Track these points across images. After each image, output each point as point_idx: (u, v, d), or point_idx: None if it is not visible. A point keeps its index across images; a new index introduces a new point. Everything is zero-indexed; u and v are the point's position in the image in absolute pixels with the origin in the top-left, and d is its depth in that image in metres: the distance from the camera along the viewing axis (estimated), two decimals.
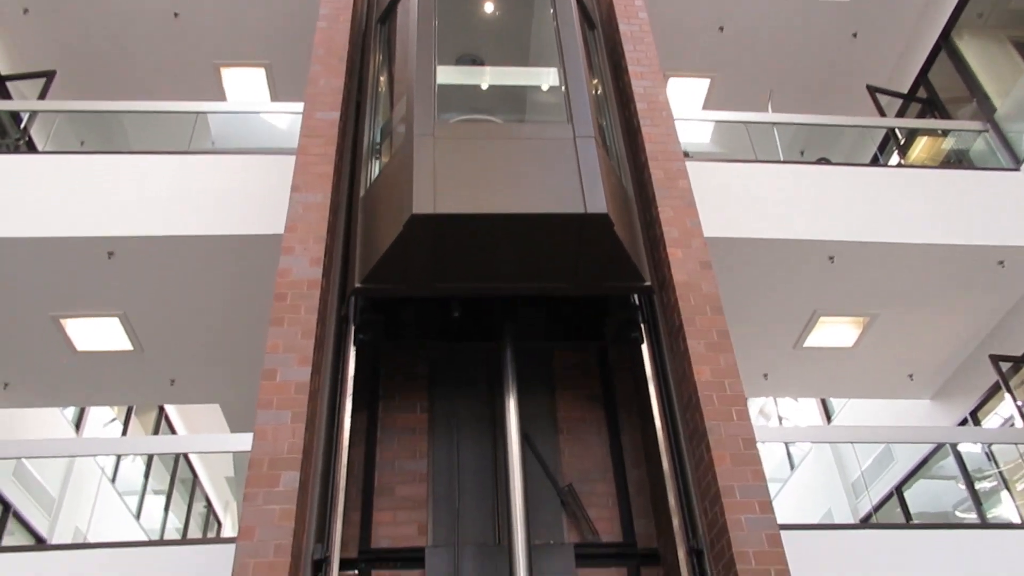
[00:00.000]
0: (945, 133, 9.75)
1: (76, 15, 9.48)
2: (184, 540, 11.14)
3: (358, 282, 4.78)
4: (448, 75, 5.68)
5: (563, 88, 5.27)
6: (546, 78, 6.03)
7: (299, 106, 7.87)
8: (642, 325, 5.15)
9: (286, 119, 9.25)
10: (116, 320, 7.11)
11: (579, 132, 4.93)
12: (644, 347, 5.05)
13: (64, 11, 9.45)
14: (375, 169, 5.47)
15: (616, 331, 5.24)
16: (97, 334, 7.29)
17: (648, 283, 4.98)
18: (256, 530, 3.78)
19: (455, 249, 4.62)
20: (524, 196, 4.59)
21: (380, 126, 5.80)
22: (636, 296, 5.21)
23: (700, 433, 4.36)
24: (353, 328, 4.95)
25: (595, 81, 5.89)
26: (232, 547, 4.58)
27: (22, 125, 8.38)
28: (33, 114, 8.39)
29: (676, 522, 4.30)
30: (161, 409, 13.01)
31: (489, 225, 4.53)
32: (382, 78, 6.10)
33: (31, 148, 8.14)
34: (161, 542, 9.38)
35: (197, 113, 7.98)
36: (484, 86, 6.09)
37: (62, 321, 7.16)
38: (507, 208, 4.51)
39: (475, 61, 6.22)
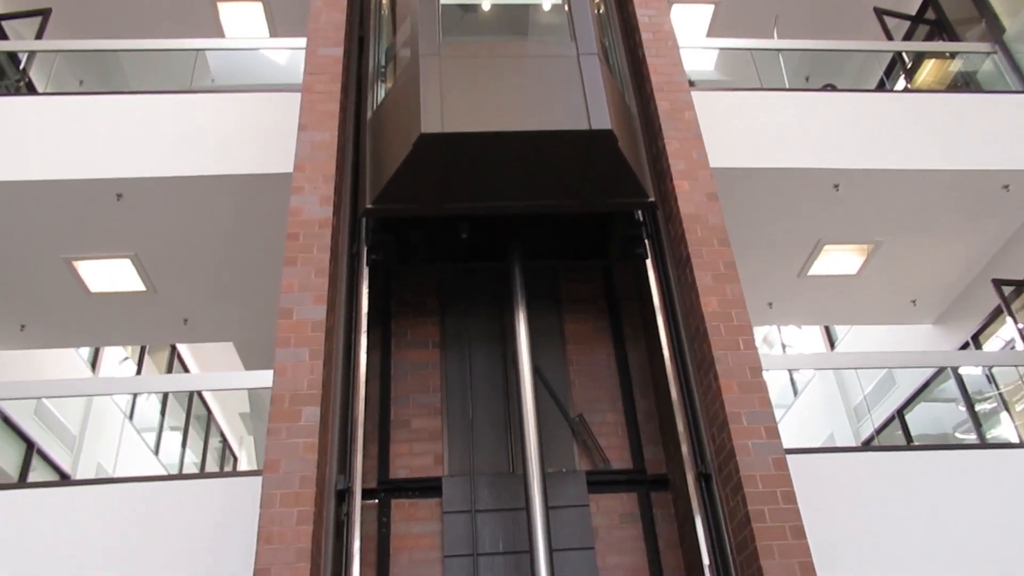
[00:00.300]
0: (953, 56, 9.61)
1: None
2: (204, 474, 11.45)
3: (369, 203, 4.85)
4: None
5: (566, 6, 5.29)
6: None
7: (300, 41, 7.80)
8: (646, 241, 5.26)
9: (285, 54, 9.15)
10: (128, 261, 7.18)
11: (582, 49, 4.96)
12: (652, 277, 5.12)
13: None
14: (381, 92, 5.48)
15: (621, 248, 5.34)
16: (110, 275, 7.37)
17: (652, 199, 5.05)
18: (281, 463, 3.93)
19: (463, 168, 4.70)
20: (530, 114, 4.65)
21: (385, 49, 5.81)
22: (640, 213, 5.31)
23: (708, 362, 4.47)
24: (365, 249, 5.05)
25: (597, 1, 5.86)
26: (250, 480, 4.79)
27: (21, 66, 8.30)
28: (32, 55, 8.30)
29: (685, 448, 4.45)
30: (173, 348, 13.21)
31: (496, 143, 4.59)
32: (385, 1, 6.07)
33: (31, 90, 8.08)
34: (183, 476, 9.64)
35: (197, 51, 7.88)
36: (487, 6, 6.08)
37: (74, 263, 7.23)
38: (513, 126, 4.58)
39: None
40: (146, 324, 8.17)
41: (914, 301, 8.90)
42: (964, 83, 9.39)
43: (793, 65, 9.09)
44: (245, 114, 6.77)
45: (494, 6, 6.08)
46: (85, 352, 10.98)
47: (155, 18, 10.02)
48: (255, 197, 6.59)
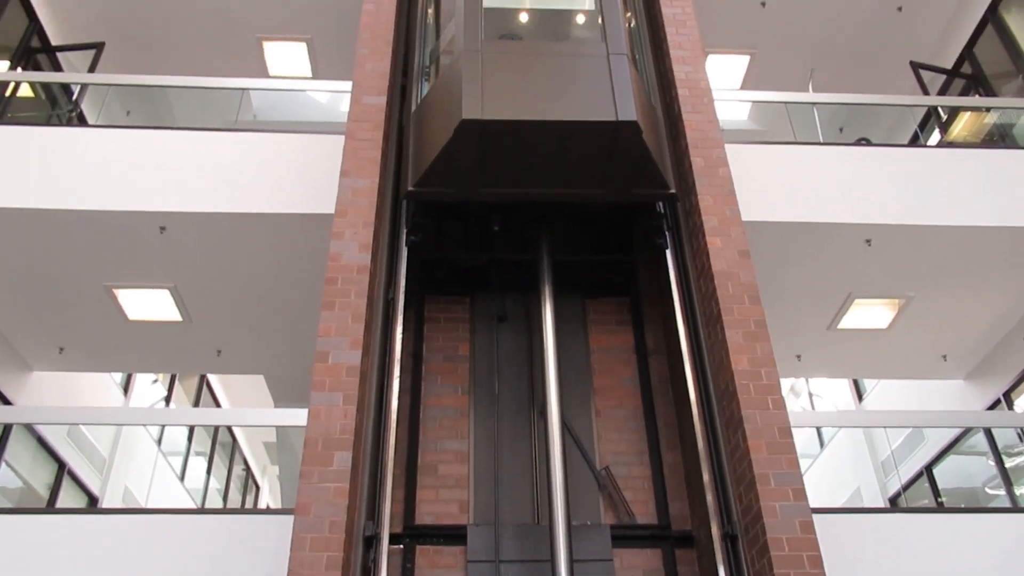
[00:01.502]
0: (988, 109, 9.61)
1: None
2: (229, 509, 11.54)
3: (411, 186, 5.23)
4: (493, 0, 6.10)
5: (598, 10, 5.74)
6: (582, 3, 6.47)
7: (343, 84, 8.01)
8: (667, 233, 5.60)
9: (326, 92, 9.38)
10: (167, 292, 7.35)
11: (612, 49, 5.39)
12: (681, 331, 5.17)
13: None
14: (424, 89, 5.93)
15: (643, 239, 5.72)
16: (148, 305, 7.54)
17: (673, 191, 5.42)
18: (312, 506, 4.00)
19: (499, 155, 5.07)
20: (562, 105, 5.05)
21: (429, 51, 6.28)
22: (661, 206, 5.68)
23: (736, 421, 4.49)
24: (405, 232, 5.41)
25: (628, 14, 6.34)
26: (273, 518, 4.87)
27: (73, 97, 8.58)
28: (84, 87, 8.59)
29: (711, 507, 4.46)
30: (203, 374, 13.40)
31: (530, 131, 4.98)
32: (430, 10, 6.54)
33: (82, 121, 8.35)
34: (210, 510, 9.74)
35: (243, 90, 8.10)
36: (526, 12, 6.55)
37: (115, 291, 7.41)
38: (547, 115, 4.98)
39: None
40: (181, 353, 8.33)
41: (944, 357, 8.82)
42: (999, 137, 9.37)
43: (827, 116, 9.13)
44: (287, 154, 6.94)
45: (533, 12, 6.56)
46: (118, 375, 11.19)
47: (203, 53, 10.33)
48: (294, 235, 6.73)
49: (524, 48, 5.57)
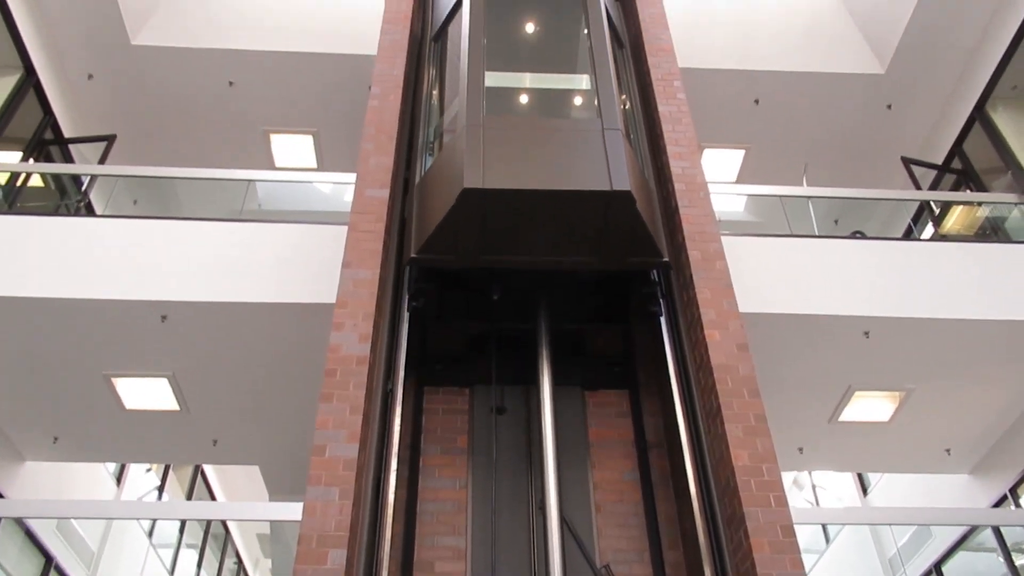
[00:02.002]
0: (980, 204, 9.79)
1: (138, 82, 9.96)
2: None
3: (414, 252, 5.43)
4: (494, 79, 6.44)
5: (594, 89, 6.04)
6: (579, 83, 6.82)
7: (346, 176, 8.20)
8: (661, 300, 5.75)
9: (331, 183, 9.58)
10: (165, 381, 7.33)
11: (607, 125, 5.67)
12: (681, 424, 5.13)
13: (126, 78, 9.93)
14: (427, 163, 6.20)
15: (638, 307, 5.85)
16: (146, 394, 7.51)
17: (666, 259, 5.61)
18: None
19: (499, 224, 5.29)
20: (559, 176, 5.30)
21: (433, 127, 6.59)
22: (656, 274, 5.85)
23: (738, 518, 4.42)
24: (407, 297, 5.57)
25: (623, 97, 6.62)
26: None
27: (83, 188, 8.75)
28: (94, 177, 8.77)
29: None
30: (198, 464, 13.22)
31: (529, 200, 5.19)
32: (434, 91, 6.89)
33: (90, 210, 8.50)
34: None
35: (249, 180, 8.28)
36: (525, 91, 6.97)
37: (113, 380, 7.39)
38: (544, 185, 5.19)
39: (518, 69, 7.13)
40: (176, 443, 8.25)
41: (948, 450, 8.73)
42: (992, 230, 9.51)
43: (822, 209, 9.30)
44: (290, 244, 7.03)
45: (532, 91, 6.97)
46: (112, 464, 11.04)
47: (211, 144, 10.61)
48: (294, 325, 6.76)
49: (524, 123, 5.87)
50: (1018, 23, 9.20)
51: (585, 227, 5.34)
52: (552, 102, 7.13)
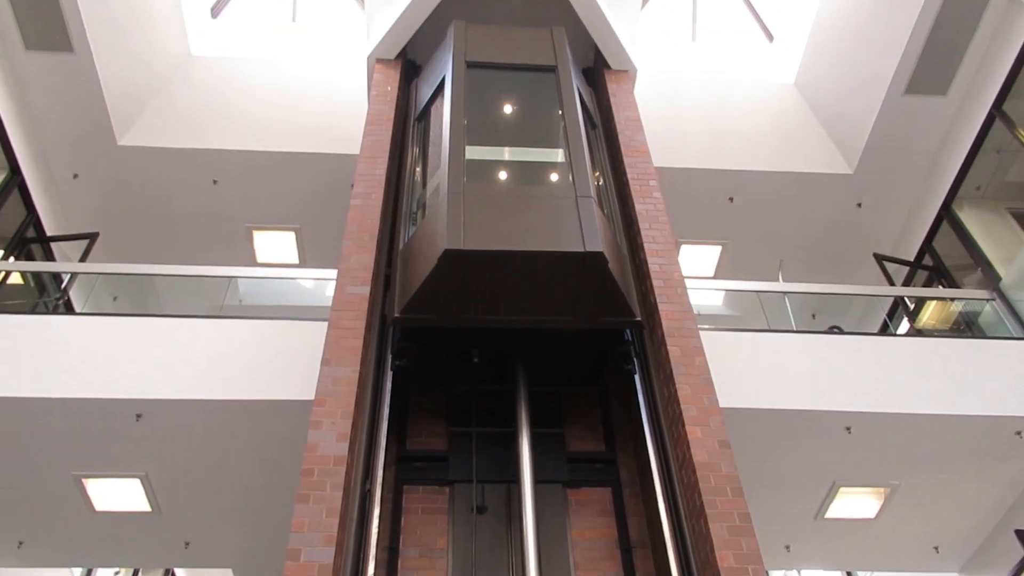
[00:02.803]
0: (953, 299, 9.96)
1: (122, 181, 10.07)
2: None
3: (397, 312, 5.69)
4: (474, 152, 6.83)
5: (568, 161, 6.44)
6: (555, 156, 7.22)
7: (327, 272, 8.24)
8: (635, 359, 6.03)
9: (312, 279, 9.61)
10: (137, 481, 7.14)
11: (580, 192, 6.06)
12: (665, 528, 5.05)
13: (111, 177, 10.05)
14: (411, 231, 6.53)
15: (614, 365, 6.11)
16: (118, 495, 7.29)
17: (638, 318, 5.90)
18: None
19: (479, 284, 5.55)
20: (536, 238, 5.68)
21: (416, 198, 6.94)
22: (629, 333, 6.15)
23: None
24: (390, 356, 5.82)
25: (597, 174, 7.06)
26: None
27: (62, 285, 8.73)
28: (74, 275, 8.76)
29: None
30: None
31: (507, 261, 5.50)
32: (418, 168, 7.25)
33: (68, 308, 8.45)
34: None
35: (230, 277, 8.30)
36: (503, 163, 7.41)
37: (84, 481, 7.19)
38: (522, 246, 5.54)
39: (496, 143, 7.62)
40: (147, 546, 7.96)
41: (936, 548, 8.59)
42: (966, 325, 9.65)
43: (799, 303, 9.41)
44: (270, 340, 6.99)
45: (511, 164, 7.45)
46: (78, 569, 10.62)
47: (194, 241, 10.68)
48: (272, 423, 6.65)
49: (502, 192, 6.36)
50: (977, 127, 9.60)
51: (561, 287, 5.61)
52: (529, 173, 7.53)
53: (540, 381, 6.23)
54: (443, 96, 7.05)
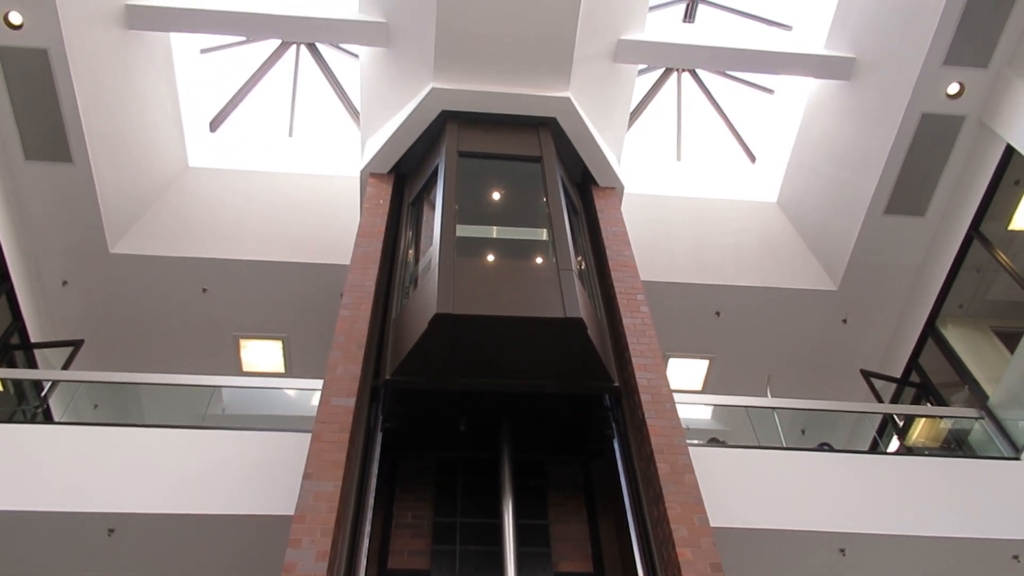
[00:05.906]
0: (942, 417, 9.91)
1: (111, 288, 10.06)
2: None
3: (388, 375, 6.04)
4: (464, 231, 7.24)
5: (551, 239, 6.97)
6: (539, 235, 7.75)
7: (312, 383, 8.16)
8: (614, 424, 6.42)
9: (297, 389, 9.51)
10: None
11: (561, 266, 6.59)
12: None
13: (101, 284, 10.04)
14: (403, 302, 6.92)
15: (595, 432, 6.51)
16: None
17: (616, 383, 6.32)
18: None
19: (467, 348, 5.95)
20: (520, 305, 6.13)
21: (409, 273, 7.38)
22: (608, 398, 6.57)
23: None
24: (381, 419, 6.14)
25: (579, 258, 7.56)
26: None
27: (43, 393, 8.58)
28: (55, 383, 8.63)
29: None
30: None
31: (493, 325, 5.92)
32: (411, 251, 7.75)
33: (47, 417, 8.29)
34: None
35: (214, 387, 8.21)
36: (492, 240, 7.98)
37: None
38: (508, 312, 5.98)
39: (485, 223, 8.19)
40: None
41: None
42: (956, 442, 9.57)
43: (788, 418, 9.35)
44: (252, 452, 6.86)
45: (498, 241, 8.03)
46: None
47: (180, 349, 10.60)
48: (250, 537, 6.44)
49: (490, 265, 7.00)
50: (956, 247, 9.82)
51: (543, 352, 6.02)
52: (515, 250, 8.10)
53: (525, 449, 6.49)
54: (436, 182, 7.62)
